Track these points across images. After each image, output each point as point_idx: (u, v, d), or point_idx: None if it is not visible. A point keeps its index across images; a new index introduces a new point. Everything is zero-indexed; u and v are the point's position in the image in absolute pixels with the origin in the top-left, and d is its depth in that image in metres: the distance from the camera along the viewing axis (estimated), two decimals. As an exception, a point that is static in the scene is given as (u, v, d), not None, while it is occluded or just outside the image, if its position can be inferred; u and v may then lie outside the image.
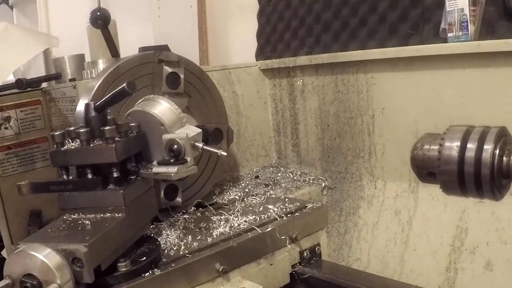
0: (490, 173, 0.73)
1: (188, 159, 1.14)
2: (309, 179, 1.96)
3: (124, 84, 1.04)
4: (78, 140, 1.07)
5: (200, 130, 1.29)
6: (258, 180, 1.95)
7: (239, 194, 1.70)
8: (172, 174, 1.11)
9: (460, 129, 0.79)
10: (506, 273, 1.38)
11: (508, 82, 1.38)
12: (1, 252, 1.68)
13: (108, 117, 1.13)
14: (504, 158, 0.74)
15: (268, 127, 2.20)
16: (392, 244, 1.67)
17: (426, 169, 0.82)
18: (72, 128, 1.10)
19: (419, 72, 1.60)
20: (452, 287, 1.48)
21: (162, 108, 1.34)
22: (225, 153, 1.25)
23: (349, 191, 1.88)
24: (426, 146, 0.83)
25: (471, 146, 0.75)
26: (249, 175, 2.04)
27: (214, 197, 1.70)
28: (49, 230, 1.01)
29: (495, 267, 1.40)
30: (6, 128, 1.54)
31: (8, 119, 1.55)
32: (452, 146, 0.77)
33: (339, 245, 1.83)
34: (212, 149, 1.25)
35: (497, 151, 0.74)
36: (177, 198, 1.54)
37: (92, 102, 1.11)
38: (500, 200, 0.79)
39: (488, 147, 0.74)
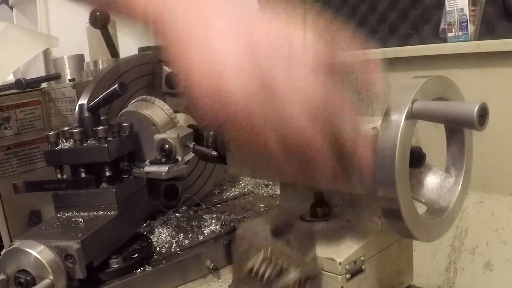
0: None
1: (179, 158, 1.15)
2: (308, 179, 1.95)
3: (116, 86, 1.06)
4: (72, 139, 1.08)
5: (191, 130, 1.30)
6: (258, 180, 1.94)
7: (234, 193, 1.71)
8: (163, 173, 1.12)
9: None
10: (505, 273, 1.38)
11: (507, 82, 1.38)
12: (1, 252, 1.68)
13: (102, 117, 1.14)
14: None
15: (267, 127, 2.20)
16: (391, 244, 1.67)
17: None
18: (66, 128, 1.11)
19: (419, 72, 1.59)
20: (452, 287, 1.48)
21: (154, 108, 1.35)
22: (215, 153, 1.26)
23: (348, 191, 1.87)
24: None
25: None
26: (249, 175, 2.04)
27: (213, 197, 1.70)
28: (43, 228, 1.02)
29: (494, 267, 1.40)
30: (5, 128, 1.54)
31: (7, 119, 1.55)
32: None
33: (339, 245, 1.83)
34: (203, 149, 1.26)
35: None
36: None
37: (85, 103, 1.12)
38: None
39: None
